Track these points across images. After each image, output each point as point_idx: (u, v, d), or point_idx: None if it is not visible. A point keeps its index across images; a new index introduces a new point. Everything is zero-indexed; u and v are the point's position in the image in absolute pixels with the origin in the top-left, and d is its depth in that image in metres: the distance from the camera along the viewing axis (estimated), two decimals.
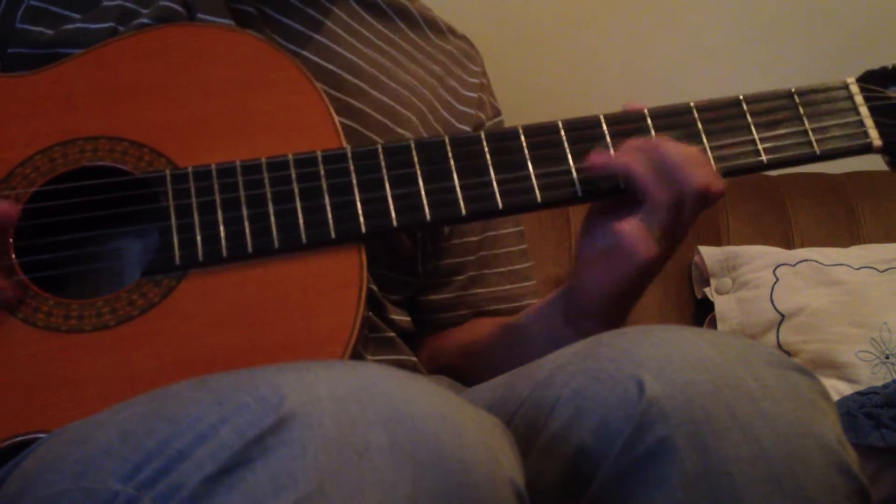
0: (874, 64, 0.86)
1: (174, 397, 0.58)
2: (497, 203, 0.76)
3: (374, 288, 0.89)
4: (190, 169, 0.74)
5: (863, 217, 1.68)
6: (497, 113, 1.07)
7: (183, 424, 0.54)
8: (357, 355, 0.73)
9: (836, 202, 1.69)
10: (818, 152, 0.80)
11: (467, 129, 1.00)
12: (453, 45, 1.04)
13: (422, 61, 0.99)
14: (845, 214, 1.68)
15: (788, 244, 1.63)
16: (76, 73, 0.79)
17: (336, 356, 0.70)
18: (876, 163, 1.79)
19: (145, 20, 0.84)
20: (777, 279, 1.53)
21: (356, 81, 0.91)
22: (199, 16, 0.86)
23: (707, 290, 1.58)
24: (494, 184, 0.76)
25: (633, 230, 0.76)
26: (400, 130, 0.91)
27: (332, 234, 0.73)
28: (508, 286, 1.02)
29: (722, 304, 1.55)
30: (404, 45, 0.98)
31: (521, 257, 1.04)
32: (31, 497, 0.58)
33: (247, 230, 0.73)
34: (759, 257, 1.57)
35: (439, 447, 0.53)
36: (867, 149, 0.82)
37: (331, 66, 0.90)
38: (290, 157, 0.75)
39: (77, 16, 0.85)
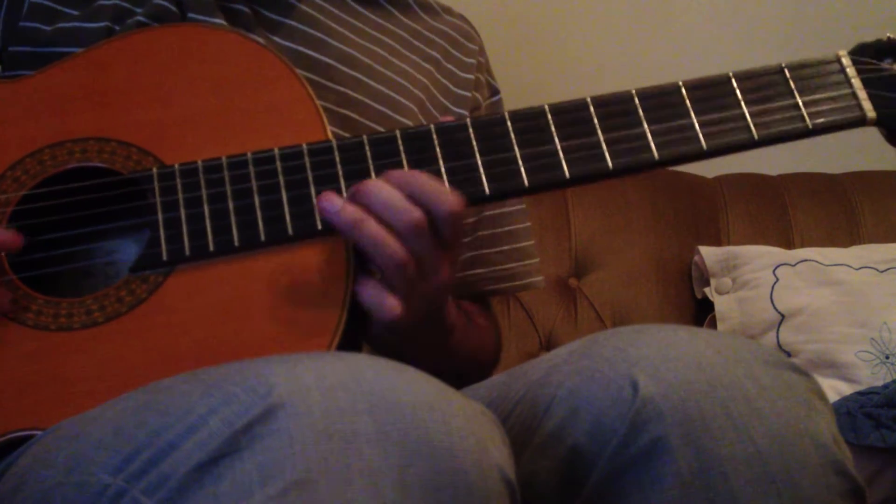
0: (866, 39, 0.84)
1: (165, 390, 0.58)
2: (484, 188, 0.75)
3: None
4: (176, 166, 0.75)
5: (863, 217, 1.68)
6: (494, 92, 1.06)
7: (173, 416, 0.54)
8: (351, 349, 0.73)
9: (836, 202, 1.69)
10: (811, 126, 0.78)
11: (464, 112, 1.00)
12: (449, 24, 1.04)
13: (418, 46, 0.99)
14: (845, 214, 1.67)
15: (788, 244, 1.63)
16: (64, 77, 0.79)
17: (322, 348, 0.70)
18: (876, 163, 1.79)
19: (140, 18, 0.85)
20: (777, 279, 1.53)
21: (352, 73, 0.91)
22: (191, 15, 0.86)
23: (707, 290, 1.58)
24: (481, 169, 0.75)
25: (370, 294, 0.72)
26: (399, 119, 0.92)
27: (318, 226, 0.73)
28: (511, 265, 1.01)
29: (722, 304, 1.55)
30: (399, 32, 0.98)
31: (525, 235, 1.03)
32: (25, 494, 0.58)
33: (233, 224, 0.73)
34: (759, 257, 1.57)
35: (427, 435, 0.53)
36: (861, 122, 0.79)
37: (327, 59, 0.91)
38: (276, 150, 0.75)
39: (74, 12, 0.86)
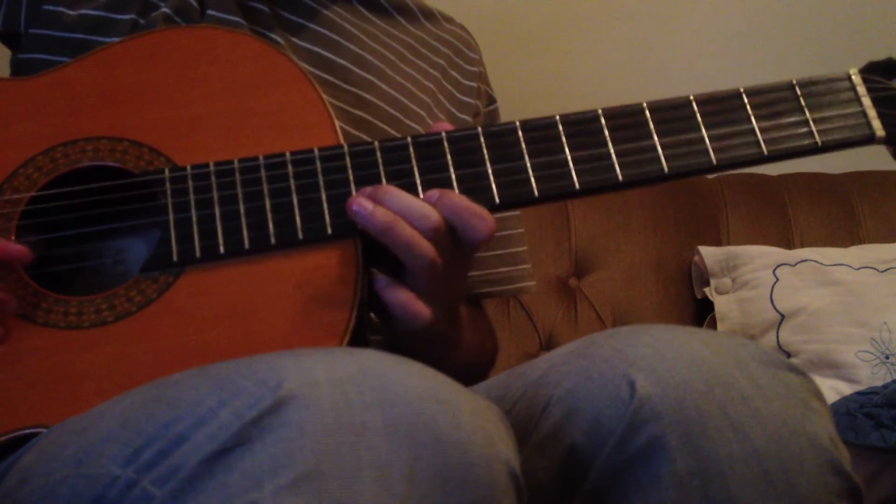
0: (877, 57, 0.84)
1: (174, 384, 0.58)
2: (494, 197, 0.76)
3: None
4: (188, 168, 0.75)
5: (863, 217, 1.68)
6: (491, 101, 1.07)
7: (183, 409, 0.55)
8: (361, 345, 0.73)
9: (836, 202, 1.69)
10: (820, 143, 0.79)
11: (467, 118, 1.01)
12: (452, 34, 1.05)
13: (425, 53, 1.00)
14: (845, 214, 1.68)
15: (788, 244, 1.63)
16: (78, 76, 0.80)
17: None
18: (876, 163, 1.79)
19: (166, 10, 0.85)
20: (777, 279, 1.53)
21: (365, 75, 0.93)
22: (209, 12, 0.87)
23: (707, 290, 1.58)
24: (491, 178, 0.76)
25: (399, 300, 0.73)
26: (409, 122, 0.93)
27: (329, 230, 0.74)
28: (505, 269, 1.02)
29: (722, 305, 1.55)
30: (406, 39, 0.99)
31: (519, 240, 1.04)
32: (32, 486, 0.59)
33: (244, 226, 0.73)
34: (759, 257, 1.57)
35: (435, 428, 0.53)
36: (870, 139, 0.80)
37: (342, 61, 0.92)
38: (288, 155, 0.75)
39: None
